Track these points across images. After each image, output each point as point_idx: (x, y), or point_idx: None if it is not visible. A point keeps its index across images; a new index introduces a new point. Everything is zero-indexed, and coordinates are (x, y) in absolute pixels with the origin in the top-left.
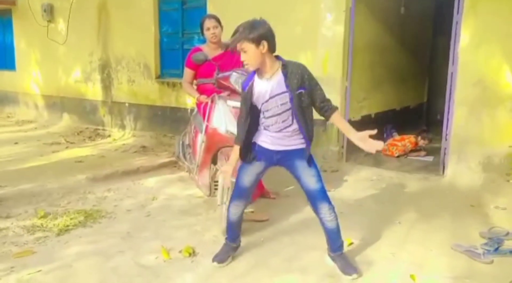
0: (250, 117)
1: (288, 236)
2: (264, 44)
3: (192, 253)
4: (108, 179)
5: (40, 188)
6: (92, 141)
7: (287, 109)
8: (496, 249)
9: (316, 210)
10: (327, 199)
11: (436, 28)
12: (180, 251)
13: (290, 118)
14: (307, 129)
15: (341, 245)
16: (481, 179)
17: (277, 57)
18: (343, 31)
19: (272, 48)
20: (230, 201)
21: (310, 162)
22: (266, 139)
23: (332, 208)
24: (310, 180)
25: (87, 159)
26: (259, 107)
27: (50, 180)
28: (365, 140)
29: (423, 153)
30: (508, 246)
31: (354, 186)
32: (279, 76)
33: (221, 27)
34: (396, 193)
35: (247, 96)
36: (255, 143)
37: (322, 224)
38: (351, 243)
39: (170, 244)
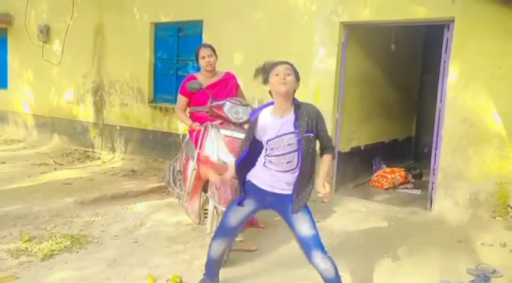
0: (251, 150)
1: (277, 266)
2: (298, 84)
3: (180, 282)
4: (96, 203)
5: (26, 210)
6: (81, 163)
7: (294, 151)
8: None
9: (309, 258)
10: (320, 247)
11: (425, 65)
12: (167, 280)
13: (295, 162)
14: (309, 176)
15: None
16: (468, 214)
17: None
18: (335, 64)
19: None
20: (213, 238)
21: (304, 208)
22: (263, 179)
23: (327, 257)
24: (303, 226)
25: (76, 181)
26: (263, 142)
27: (37, 202)
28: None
29: (410, 185)
30: None
31: (343, 218)
32: (290, 116)
33: (216, 56)
34: (384, 226)
35: (251, 126)
36: (248, 181)
37: (319, 274)
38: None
39: (157, 272)
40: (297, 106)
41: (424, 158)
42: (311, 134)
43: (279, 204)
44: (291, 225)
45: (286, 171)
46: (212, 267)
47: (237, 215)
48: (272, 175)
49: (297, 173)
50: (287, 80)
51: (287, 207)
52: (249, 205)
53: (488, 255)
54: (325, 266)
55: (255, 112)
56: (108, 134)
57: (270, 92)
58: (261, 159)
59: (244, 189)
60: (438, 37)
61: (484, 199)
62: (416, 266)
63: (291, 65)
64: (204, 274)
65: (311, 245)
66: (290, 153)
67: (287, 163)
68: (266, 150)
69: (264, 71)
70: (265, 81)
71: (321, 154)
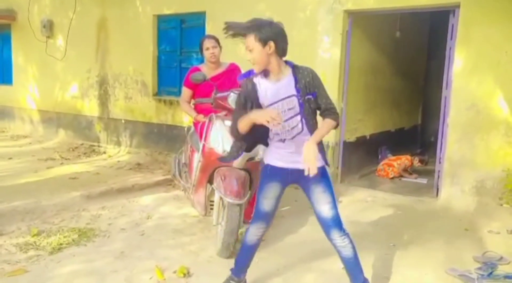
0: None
1: (283, 257)
2: (271, 45)
3: (187, 274)
4: (102, 197)
5: (34, 204)
6: (87, 157)
7: (295, 115)
8: (490, 274)
9: (327, 235)
10: (339, 225)
11: (430, 53)
12: (174, 271)
13: (300, 125)
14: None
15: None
16: (475, 202)
17: (286, 62)
18: (340, 53)
19: (280, 50)
20: (251, 223)
21: (326, 185)
22: (277, 157)
23: (345, 234)
24: (324, 206)
25: (82, 175)
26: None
27: (44, 197)
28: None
29: (414, 175)
30: (501, 271)
31: (349, 207)
32: (287, 79)
33: (220, 47)
34: (390, 215)
35: (248, 89)
36: (267, 165)
37: (337, 252)
38: None
39: (165, 264)
40: (295, 68)
41: (430, 146)
42: (312, 97)
43: (302, 180)
44: (312, 202)
45: (294, 136)
46: (244, 259)
47: (268, 199)
48: (287, 152)
49: (308, 135)
50: (253, 58)
51: (309, 185)
52: (275, 187)
53: (495, 242)
54: (343, 243)
55: (248, 74)
56: (113, 128)
57: None
58: (271, 137)
59: (266, 174)
60: (444, 23)
61: (490, 186)
62: (422, 254)
63: (254, 33)
64: (231, 270)
65: (330, 224)
66: (291, 117)
67: (292, 128)
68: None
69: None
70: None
71: (323, 118)
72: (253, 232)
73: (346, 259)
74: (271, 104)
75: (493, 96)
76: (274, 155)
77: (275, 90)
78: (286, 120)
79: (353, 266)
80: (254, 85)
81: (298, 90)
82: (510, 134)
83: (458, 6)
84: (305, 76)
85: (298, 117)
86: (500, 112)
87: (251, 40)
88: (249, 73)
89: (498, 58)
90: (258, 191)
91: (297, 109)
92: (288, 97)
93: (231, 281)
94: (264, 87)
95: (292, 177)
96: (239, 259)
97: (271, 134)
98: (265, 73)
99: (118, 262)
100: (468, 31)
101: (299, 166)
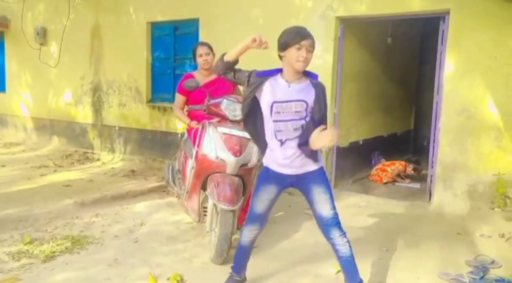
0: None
1: (277, 262)
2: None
3: (180, 281)
4: (96, 204)
5: (26, 212)
6: (81, 164)
7: (300, 119)
8: (482, 278)
9: (327, 235)
10: (339, 225)
11: (422, 58)
12: (168, 279)
13: (301, 129)
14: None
15: None
16: (467, 206)
17: (309, 73)
18: (332, 59)
19: None
20: (244, 225)
21: (326, 186)
22: (275, 161)
23: (343, 234)
24: (323, 206)
25: (76, 182)
26: (266, 105)
27: (37, 204)
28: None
29: (407, 180)
30: (493, 274)
31: (342, 212)
32: (306, 85)
33: (213, 54)
34: (383, 219)
35: (255, 85)
36: (266, 167)
37: (336, 252)
38: (340, 271)
39: (158, 271)
40: (312, 80)
41: (423, 151)
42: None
43: (300, 183)
44: (311, 203)
45: (294, 138)
46: (241, 258)
47: (263, 202)
48: (283, 157)
49: (303, 139)
50: (308, 58)
51: (308, 185)
52: (271, 190)
53: (487, 246)
54: (342, 241)
55: (263, 74)
56: (107, 135)
57: (280, 55)
58: (270, 137)
59: (264, 176)
60: (435, 29)
61: (482, 191)
62: (415, 258)
63: (313, 40)
64: (232, 267)
65: (330, 224)
66: (296, 120)
67: (294, 129)
68: (272, 114)
69: (287, 38)
70: (283, 48)
71: None
72: (246, 235)
73: (343, 258)
74: (279, 102)
75: (483, 101)
76: (272, 158)
77: (291, 91)
78: (291, 120)
79: (350, 266)
80: (262, 83)
81: (317, 97)
82: (501, 138)
83: (448, 13)
84: (319, 90)
85: (303, 121)
86: (490, 117)
87: (313, 43)
88: (271, 72)
89: (488, 64)
90: (254, 193)
91: (303, 114)
92: (299, 100)
93: (233, 277)
94: (277, 86)
95: (290, 180)
96: (237, 258)
97: (270, 134)
98: (286, 74)
99: (112, 270)
100: (458, 37)
101: (297, 171)
